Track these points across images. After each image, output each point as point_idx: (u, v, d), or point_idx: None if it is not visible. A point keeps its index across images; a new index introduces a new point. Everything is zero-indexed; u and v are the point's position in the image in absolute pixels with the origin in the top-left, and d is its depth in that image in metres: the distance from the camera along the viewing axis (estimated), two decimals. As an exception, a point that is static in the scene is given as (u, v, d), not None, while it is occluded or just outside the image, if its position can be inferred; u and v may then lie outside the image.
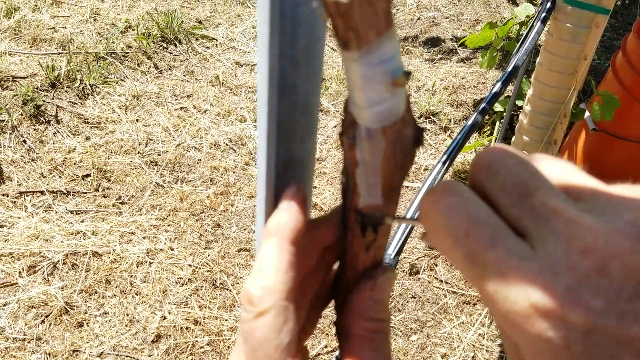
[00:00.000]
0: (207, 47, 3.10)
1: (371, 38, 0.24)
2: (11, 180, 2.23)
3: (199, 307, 1.88)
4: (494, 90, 1.35)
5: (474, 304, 1.95)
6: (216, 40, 3.16)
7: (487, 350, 1.82)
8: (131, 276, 1.95)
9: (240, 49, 3.12)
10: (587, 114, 2.03)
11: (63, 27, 3.02)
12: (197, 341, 1.79)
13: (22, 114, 2.46)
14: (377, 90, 0.26)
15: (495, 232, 0.25)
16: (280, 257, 0.32)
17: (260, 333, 0.30)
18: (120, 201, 2.22)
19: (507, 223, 0.26)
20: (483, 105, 1.31)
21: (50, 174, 2.28)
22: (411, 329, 1.87)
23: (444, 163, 1.16)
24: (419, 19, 3.47)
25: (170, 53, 3.00)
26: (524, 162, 0.26)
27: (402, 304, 1.94)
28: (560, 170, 0.27)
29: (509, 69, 1.44)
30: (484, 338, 1.85)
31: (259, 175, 0.39)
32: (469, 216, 0.26)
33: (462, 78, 2.96)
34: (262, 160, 0.37)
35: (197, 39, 3.14)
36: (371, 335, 0.34)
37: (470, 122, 1.26)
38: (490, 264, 0.24)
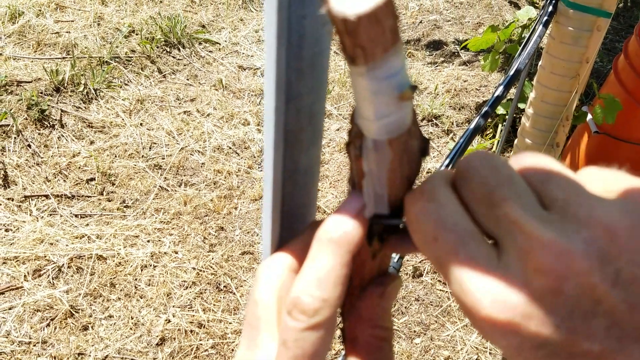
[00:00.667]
0: (210, 51, 3.11)
1: (378, 54, 0.24)
2: (16, 185, 2.24)
3: (203, 310, 1.89)
4: (496, 94, 1.35)
5: (477, 307, 1.95)
6: (219, 44, 3.17)
7: (490, 353, 1.83)
8: (136, 279, 1.96)
9: (243, 53, 3.13)
10: (589, 116, 2.03)
11: (67, 32, 3.04)
12: (201, 344, 1.80)
13: (26, 119, 2.47)
14: (384, 104, 0.26)
15: (460, 239, 0.26)
16: (340, 271, 0.30)
17: (309, 346, 0.30)
18: (125, 205, 2.23)
19: (481, 229, 0.26)
20: (485, 108, 1.32)
21: (55, 178, 2.30)
22: (415, 331, 1.88)
23: (446, 167, 1.17)
24: (421, 22, 3.48)
25: (174, 57, 3.01)
26: (496, 169, 0.26)
27: (405, 307, 1.94)
28: (538, 172, 0.27)
29: (511, 72, 1.44)
30: (487, 341, 1.85)
31: (265, 183, 0.39)
32: (437, 221, 0.26)
33: (465, 81, 2.97)
34: (269, 168, 0.38)
35: (200, 43, 3.15)
36: (378, 342, 0.34)
37: (472, 125, 1.27)
38: (453, 270, 0.25)
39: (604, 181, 0.27)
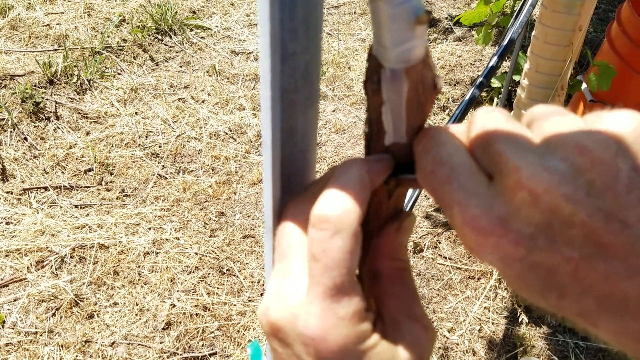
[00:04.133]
0: (202, 37, 3.09)
1: None
2: (14, 178, 2.24)
3: (207, 293, 1.91)
4: (490, 64, 1.36)
5: (479, 279, 1.97)
6: (211, 29, 3.15)
7: (493, 323, 1.84)
8: (139, 266, 1.97)
9: (235, 38, 3.12)
10: (584, 85, 2.03)
11: (58, 24, 3.02)
12: (207, 326, 1.82)
13: (21, 112, 2.47)
14: (401, 29, 0.28)
15: (452, 171, 0.28)
16: (361, 187, 0.32)
17: (337, 254, 0.30)
18: (124, 194, 2.24)
19: (481, 168, 0.29)
20: (480, 79, 1.32)
21: (53, 169, 2.30)
22: (418, 306, 1.89)
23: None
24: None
25: (166, 45, 3.00)
26: (495, 115, 0.30)
27: (407, 282, 1.96)
28: (533, 114, 0.30)
29: (505, 42, 1.44)
30: (489, 311, 1.87)
31: (264, 144, 0.40)
32: (434, 157, 0.30)
33: (459, 56, 2.96)
34: (267, 128, 0.38)
35: (191, 30, 3.13)
36: (400, 272, 0.36)
37: (467, 96, 1.27)
38: (446, 197, 0.28)
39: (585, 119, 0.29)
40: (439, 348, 1.78)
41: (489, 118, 0.30)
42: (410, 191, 0.99)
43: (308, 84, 0.38)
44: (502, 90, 2.35)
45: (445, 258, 2.03)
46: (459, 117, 1.23)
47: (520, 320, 1.85)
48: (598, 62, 1.83)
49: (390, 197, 0.36)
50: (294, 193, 0.43)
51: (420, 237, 2.09)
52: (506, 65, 2.72)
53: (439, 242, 2.07)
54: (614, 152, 0.25)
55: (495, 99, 2.55)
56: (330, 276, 0.30)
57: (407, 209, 0.96)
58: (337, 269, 0.30)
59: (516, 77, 2.24)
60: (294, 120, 0.39)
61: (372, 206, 0.37)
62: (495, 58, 1.36)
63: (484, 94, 2.64)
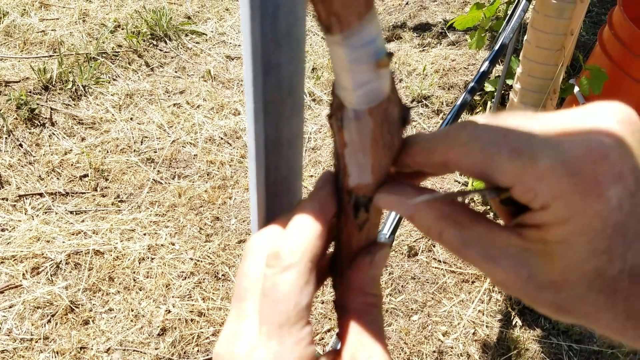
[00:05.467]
0: (197, 43, 3.10)
1: (352, 21, 0.25)
2: (10, 184, 2.24)
3: (203, 299, 1.91)
4: (482, 69, 1.37)
5: (473, 282, 1.98)
6: (206, 35, 3.16)
7: (487, 326, 1.85)
8: (134, 272, 1.97)
9: (230, 43, 3.12)
10: (576, 89, 2.05)
11: (52, 30, 3.02)
12: (202, 332, 1.82)
13: (16, 118, 2.47)
14: (362, 72, 0.26)
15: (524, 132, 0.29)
16: (315, 224, 0.33)
17: (283, 287, 0.31)
18: (119, 199, 2.24)
19: None
20: (472, 84, 1.33)
21: (48, 176, 2.30)
22: (412, 309, 1.90)
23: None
24: (407, 3, 3.48)
25: (161, 50, 3.00)
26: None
27: (402, 286, 1.96)
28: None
29: (496, 47, 1.45)
30: (483, 314, 1.88)
31: (249, 154, 0.40)
32: (498, 125, 0.30)
33: (453, 60, 2.98)
34: (251, 139, 0.39)
35: (186, 35, 3.14)
36: (368, 308, 0.35)
37: (459, 101, 1.28)
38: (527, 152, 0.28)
39: None
40: (434, 352, 1.79)
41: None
42: (392, 216, 0.99)
43: (293, 94, 0.39)
44: (495, 94, 2.36)
45: (440, 262, 2.03)
46: (451, 122, 1.24)
47: (514, 323, 1.85)
48: (590, 66, 1.85)
49: (361, 229, 0.36)
50: (281, 202, 0.44)
51: (415, 241, 2.10)
52: (500, 69, 2.74)
53: (434, 246, 2.08)
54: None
55: (489, 102, 2.56)
56: (277, 311, 0.31)
57: (388, 235, 0.96)
58: (284, 303, 0.31)
59: (509, 81, 2.26)
60: (280, 130, 0.40)
61: (343, 239, 0.36)
62: (486, 63, 1.37)
63: (477, 97, 2.65)
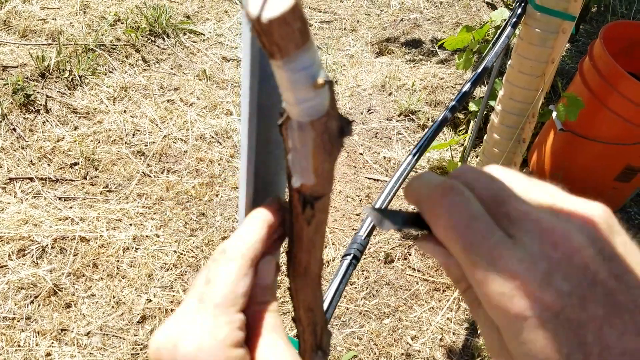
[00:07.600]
0: (194, 42, 3.17)
1: (291, 50, 0.29)
2: (1, 167, 2.29)
3: (184, 290, 1.97)
4: (463, 90, 1.45)
5: (444, 291, 2.06)
6: (204, 35, 3.23)
7: (453, 333, 1.93)
8: (118, 261, 2.03)
9: (227, 45, 3.20)
10: (554, 114, 2.14)
11: (53, 19, 3.07)
12: (180, 323, 1.88)
13: (12, 103, 2.52)
14: (302, 91, 0.31)
15: (488, 226, 0.30)
16: (259, 229, 0.41)
17: (226, 275, 0.37)
18: (108, 189, 2.29)
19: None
20: (452, 103, 1.41)
21: (40, 161, 2.35)
22: (384, 313, 1.98)
23: (414, 155, 1.26)
24: (402, 20, 3.58)
25: (158, 46, 3.07)
26: (492, 178, 0.33)
27: (376, 290, 2.04)
28: (513, 179, 0.34)
29: (479, 70, 1.54)
30: (451, 322, 1.97)
31: (242, 149, 0.48)
32: (468, 211, 0.31)
33: (441, 79, 3.07)
34: (244, 137, 0.46)
35: (184, 34, 3.21)
36: (261, 315, 0.40)
37: (440, 118, 1.36)
38: (484, 252, 0.30)
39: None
40: (402, 354, 1.86)
41: (485, 177, 0.33)
42: (368, 219, 1.06)
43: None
44: (478, 113, 2.45)
45: (414, 269, 2.12)
46: (430, 137, 1.32)
47: (479, 332, 1.94)
48: (567, 94, 1.94)
49: (309, 224, 0.41)
50: (267, 192, 0.51)
51: (392, 248, 2.18)
52: (484, 89, 2.83)
53: (409, 254, 2.16)
54: (607, 227, 0.30)
55: (472, 122, 2.66)
56: (216, 294, 0.37)
57: (364, 237, 1.04)
58: (224, 287, 0.37)
59: (492, 102, 2.35)
60: (270, 132, 0.48)
61: (295, 232, 0.42)
62: (468, 84, 1.46)
63: (462, 116, 2.74)
